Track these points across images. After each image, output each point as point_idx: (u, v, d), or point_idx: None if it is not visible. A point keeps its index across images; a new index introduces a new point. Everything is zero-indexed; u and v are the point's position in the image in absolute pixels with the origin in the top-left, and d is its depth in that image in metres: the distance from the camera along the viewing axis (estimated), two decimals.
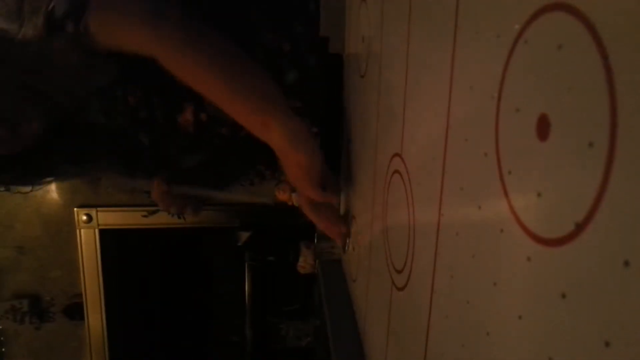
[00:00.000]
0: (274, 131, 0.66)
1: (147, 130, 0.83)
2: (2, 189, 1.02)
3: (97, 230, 2.07)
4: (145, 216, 2.05)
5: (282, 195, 1.54)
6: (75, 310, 2.16)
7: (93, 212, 2.05)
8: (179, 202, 0.91)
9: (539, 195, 0.24)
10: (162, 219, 2.06)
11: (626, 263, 0.18)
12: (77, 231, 2.06)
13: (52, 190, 2.04)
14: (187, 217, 0.95)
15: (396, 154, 0.50)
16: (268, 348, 2.27)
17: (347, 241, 0.81)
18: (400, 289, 0.49)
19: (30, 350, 2.20)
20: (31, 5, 0.64)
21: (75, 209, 2.05)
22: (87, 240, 2.07)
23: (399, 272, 0.49)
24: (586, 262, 0.21)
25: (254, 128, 0.69)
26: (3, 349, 2.17)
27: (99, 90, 0.76)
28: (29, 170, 0.80)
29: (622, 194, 0.19)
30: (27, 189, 0.93)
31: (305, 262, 1.73)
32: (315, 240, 0.98)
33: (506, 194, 0.27)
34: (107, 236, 2.09)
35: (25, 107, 0.71)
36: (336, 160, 0.87)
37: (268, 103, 0.67)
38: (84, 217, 2.05)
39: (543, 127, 0.24)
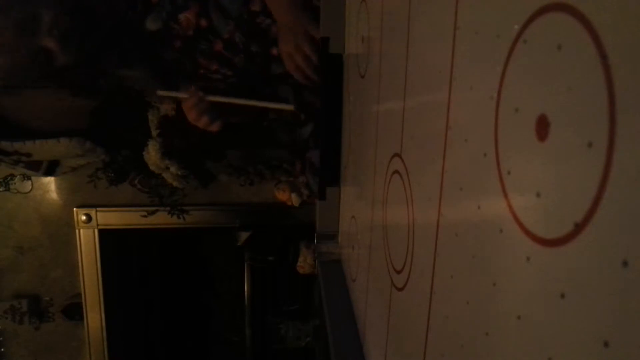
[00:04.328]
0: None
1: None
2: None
3: (96, 230, 2.07)
4: (144, 216, 2.05)
5: (282, 195, 1.54)
6: (74, 310, 2.16)
7: (92, 212, 2.05)
8: (208, 113, 1.05)
9: (538, 195, 0.24)
10: (161, 219, 2.06)
11: (625, 263, 0.18)
12: (77, 231, 2.06)
13: (52, 190, 2.04)
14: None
15: (396, 154, 0.50)
16: (268, 348, 2.27)
17: None
18: (400, 289, 0.49)
19: (30, 350, 2.20)
20: None
21: (74, 209, 2.04)
22: (87, 241, 2.07)
23: (399, 272, 0.49)
24: (585, 262, 0.21)
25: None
26: (2, 349, 2.17)
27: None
28: None
29: (621, 193, 0.19)
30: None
31: (304, 262, 1.73)
32: (315, 241, 0.98)
33: (505, 194, 0.27)
34: (107, 236, 2.08)
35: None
36: (336, 160, 0.87)
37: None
38: (83, 217, 2.04)
39: (542, 127, 0.24)
